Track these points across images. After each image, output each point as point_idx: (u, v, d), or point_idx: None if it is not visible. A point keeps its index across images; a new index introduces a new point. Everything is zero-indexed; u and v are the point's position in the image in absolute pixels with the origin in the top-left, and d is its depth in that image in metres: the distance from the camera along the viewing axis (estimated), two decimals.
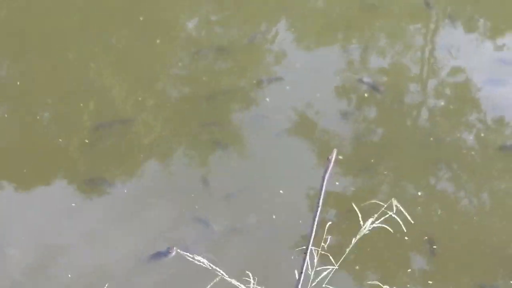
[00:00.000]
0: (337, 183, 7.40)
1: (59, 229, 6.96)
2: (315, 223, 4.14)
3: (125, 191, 7.34)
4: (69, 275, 6.53)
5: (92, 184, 7.34)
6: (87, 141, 7.82)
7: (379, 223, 4.28)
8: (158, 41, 9.14)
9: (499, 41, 9.69)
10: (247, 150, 7.92)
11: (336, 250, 4.38)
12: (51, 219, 7.11)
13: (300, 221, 6.87)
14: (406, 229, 4.68)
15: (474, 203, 7.46)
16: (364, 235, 4.34)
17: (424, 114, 8.47)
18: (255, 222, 7.02)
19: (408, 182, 7.58)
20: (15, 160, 7.63)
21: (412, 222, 4.52)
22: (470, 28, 9.95)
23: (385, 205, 4.34)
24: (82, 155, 7.74)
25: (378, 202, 4.45)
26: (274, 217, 7.06)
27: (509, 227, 7.15)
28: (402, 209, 4.31)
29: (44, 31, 9.26)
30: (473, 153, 7.95)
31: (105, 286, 4.84)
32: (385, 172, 7.59)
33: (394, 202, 4.30)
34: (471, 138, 8.14)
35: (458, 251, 6.96)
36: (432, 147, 7.95)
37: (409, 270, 6.74)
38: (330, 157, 4.02)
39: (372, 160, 7.77)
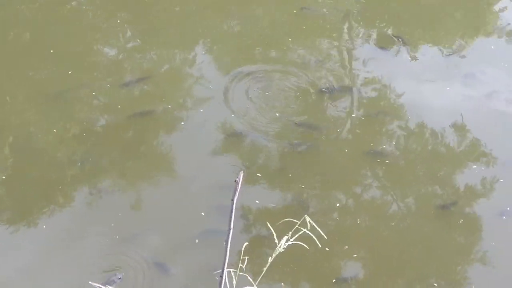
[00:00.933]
0: (257, 201, 7.41)
1: None
2: (228, 246, 4.15)
3: (44, 226, 7.21)
4: None
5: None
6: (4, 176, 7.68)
7: (294, 240, 4.32)
8: (70, 72, 9.03)
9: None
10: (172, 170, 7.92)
11: (256, 269, 4.37)
12: None
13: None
14: (323, 243, 4.72)
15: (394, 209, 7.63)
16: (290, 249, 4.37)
17: (348, 125, 8.57)
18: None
19: (327, 196, 7.68)
20: None
21: (326, 237, 4.60)
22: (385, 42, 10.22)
23: (299, 222, 4.38)
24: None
25: (291, 219, 4.49)
26: (197, 241, 7.03)
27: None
28: (315, 225, 4.36)
29: None
30: (392, 162, 8.12)
31: None
32: (302, 186, 7.65)
33: (307, 219, 4.35)
34: (392, 145, 8.33)
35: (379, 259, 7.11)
36: (361, 159, 8.10)
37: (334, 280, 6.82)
38: (237, 179, 4.04)
39: (290, 175, 7.83)
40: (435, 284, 6.90)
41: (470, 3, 11.29)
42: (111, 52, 9.55)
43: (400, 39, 9.96)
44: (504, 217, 7.52)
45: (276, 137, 8.28)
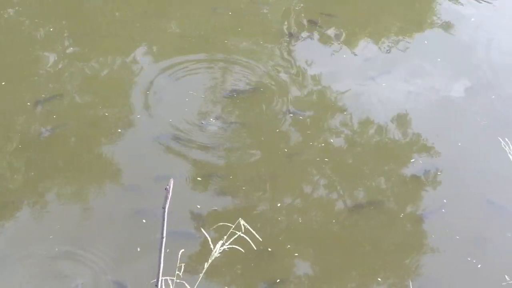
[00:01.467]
0: (198, 206, 7.39)
1: None
2: (162, 254, 4.12)
3: None
4: None
5: None
6: None
7: (229, 244, 4.32)
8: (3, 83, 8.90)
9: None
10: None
11: (194, 275, 4.35)
12: None
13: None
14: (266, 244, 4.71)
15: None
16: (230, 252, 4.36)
17: (284, 127, 8.58)
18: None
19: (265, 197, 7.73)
20: None
21: (261, 239, 4.61)
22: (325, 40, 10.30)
23: (233, 226, 4.38)
24: None
25: (226, 224, 4.49)
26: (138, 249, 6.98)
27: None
28: (249, 228, 4.37)
29: None
30: (334, 160, 8.20)
31: None
32: (244, 188, 7.67)
33: (242, 222, 4.35)
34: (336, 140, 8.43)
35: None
36: (285, 161, 8.13)
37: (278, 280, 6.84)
38: (167, 186, 4.02)
39: (231, 177, 7.85)
40: (379, 279, 6.99)
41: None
42: (50, 59, 9.40)
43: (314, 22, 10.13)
44: (443, 210, 7.65)
45: (210, 140, 8.29)
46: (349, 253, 7.16)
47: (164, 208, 3.97)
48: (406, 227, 7.45)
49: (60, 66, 9.31)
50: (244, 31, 10.20)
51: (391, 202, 7.71)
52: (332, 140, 8.43)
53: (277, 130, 8.47)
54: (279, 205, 7.51)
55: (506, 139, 5.07)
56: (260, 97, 8.97)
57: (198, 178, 7.74)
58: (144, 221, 7.20)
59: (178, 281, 4.40)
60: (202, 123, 8.45)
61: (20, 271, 6.79)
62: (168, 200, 3.99)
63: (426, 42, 10.29)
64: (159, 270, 4.14)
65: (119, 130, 8.33)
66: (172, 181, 3.98)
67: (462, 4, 11.09)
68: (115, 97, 8.91)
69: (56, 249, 6.96)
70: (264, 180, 7.77)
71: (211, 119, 8.55)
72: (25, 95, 8.70)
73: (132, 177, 7.80)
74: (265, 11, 10.71)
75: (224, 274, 6.62)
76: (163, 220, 4.01)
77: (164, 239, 4.03)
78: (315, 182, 7.88)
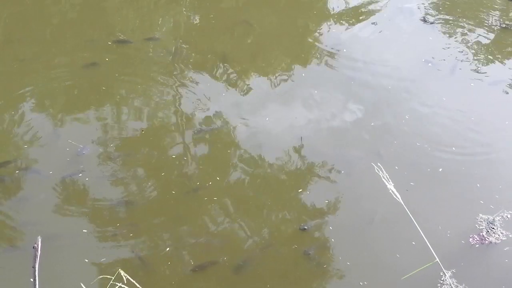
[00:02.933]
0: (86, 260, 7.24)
1: None
2: None
3: None
4: None
5: None
6: None
7: None
8: None
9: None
10: None
11: None
12: None
13: None
14: None
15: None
16: None
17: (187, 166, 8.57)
18: None
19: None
20: None
21: None
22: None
23: (113, 277, 4.28)
24: None
25: (106, 276, 4.39)
26: None
27: None
28: (130, 278, 4.28)
29: None
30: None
31: None
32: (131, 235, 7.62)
33: (122, 273, 4.27)
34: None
35: None
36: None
37: None
38: (35, 245, 3.90)
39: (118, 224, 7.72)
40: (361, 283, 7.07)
41: (289, 35, 11.73)
42: None
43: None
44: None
45: None
46: None
47: (34, 267, 3.85)
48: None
49: None
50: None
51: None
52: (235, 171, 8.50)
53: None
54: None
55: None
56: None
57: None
58: None
59: None
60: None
61: None
62: (38, 259, 3.87)
63: (311, 74, 10.57)
64: None
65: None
66: (40, 239, 3.86)
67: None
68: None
69: None
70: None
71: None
72: None
73: None
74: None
75: None
76: (34, 280, 3.89)
77: None
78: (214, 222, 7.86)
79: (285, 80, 10.36)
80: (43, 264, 3.86)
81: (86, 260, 7.09)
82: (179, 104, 9.73)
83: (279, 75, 10.51)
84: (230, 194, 8.22)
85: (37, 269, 3.89)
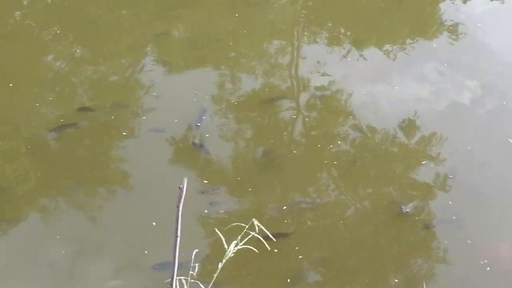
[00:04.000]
0: (206, 210, 7.37)
1: None
2: (176, 253, 4.10)
3: None
4: None
5: None
6: None
7: (243, 244, 4.30)
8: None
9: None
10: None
11: (207, 275, 4.34)
12: None
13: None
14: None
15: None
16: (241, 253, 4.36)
17: (298, 128, 8.59)
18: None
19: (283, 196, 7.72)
20: None
21: (274, 240, 4.60)
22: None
23: (247, 226, 4.37)
24: None
25: (240, 224, 4.47)
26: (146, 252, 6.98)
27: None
28: (263, 228, 4.35)
29: None
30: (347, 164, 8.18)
31: None
32: (250, 189, 7.67)
33: (255, 222, 4.34)
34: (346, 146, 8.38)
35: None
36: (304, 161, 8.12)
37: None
38: (181, 186, 4.00)
39: (238, 178, 7.83)
40: (396, 280, 6.95)
41: (411, 3, 11.47)
42: (57, 64, 9.44)
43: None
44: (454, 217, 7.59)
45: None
46: (362, 256, 7.13)
47: (178, 207, 3.96)
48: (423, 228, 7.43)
49: (66, 70, 9.38)
50: None
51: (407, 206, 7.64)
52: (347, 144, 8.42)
53: (288, 129, 8.51)
54: (284, 208, 7.50)
55: None
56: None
57: (205, 181, 7.75)
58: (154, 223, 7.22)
59: (192, 281, 4.39)
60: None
61: None
62: (182, 199, 3.97)
63: (434, 45, 10.28)
64: (173, 269, 4.12)
65: (124, 133, 8.40)
66: (185, 180, 3.96)
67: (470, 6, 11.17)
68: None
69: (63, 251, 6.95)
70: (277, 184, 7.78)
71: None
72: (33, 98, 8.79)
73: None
74: None
75: (233, 275, 6.58)
76: (177, 219, 3.99)
77: (178, 238, 4.02)
78: (329, 185, 7.85)
79: (406, 52, 10.17)
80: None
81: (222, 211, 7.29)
82: (295, 67, 9.75)
83: (402, 46, 10.31)
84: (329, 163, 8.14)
85: (180, 209, 4.00)
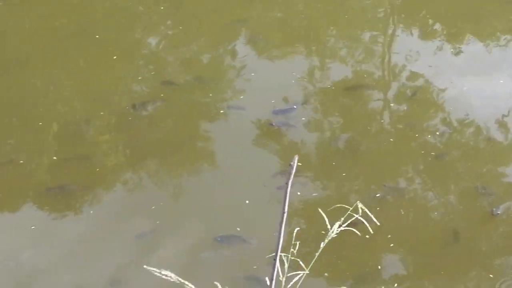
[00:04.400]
0: (298, 192, 7.39)
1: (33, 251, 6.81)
2: (282, 229, 4.13)
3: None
4: None
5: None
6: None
7: (346, 226, 4.30)
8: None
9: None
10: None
11: (306, 255, 4.36)
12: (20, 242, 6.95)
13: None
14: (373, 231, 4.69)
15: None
16: (333, 238, 4.35)
17: (386, 118, 8.52)
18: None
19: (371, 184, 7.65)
20: None
21: (378, 223, 4.57)
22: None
23: (351, 208, 4.35)
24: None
25: (344, 205, 4.46)
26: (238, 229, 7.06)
27: None
28: (367, 211, 4.33)
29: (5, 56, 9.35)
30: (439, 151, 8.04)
31: None
32: (343, 174, 7.63)
33: (360, 205, 4.32)
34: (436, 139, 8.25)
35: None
36: (392, 151, 8.04)
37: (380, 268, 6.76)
38: (292, 162, 4.01)
39: (333, 163, 7.82)
40: (491, 276, 6.82)
41: None
42: (155, 43, 9.67)
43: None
44: None
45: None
46: (448, 250, 7.02)
47: (287, 183, 3.98)
48: None
49: (163, 49, 9.57)
50: None
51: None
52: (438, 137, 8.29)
53: (381, 121, 8.42)
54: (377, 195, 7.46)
55: None
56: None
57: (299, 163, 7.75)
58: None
59: (293, 258, 4.41)
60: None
61: None
62: (292, 176, 3.99)
63: None
64: (278, 244, 4.15)
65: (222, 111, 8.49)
66: (296, 157, 3.98)
67: None
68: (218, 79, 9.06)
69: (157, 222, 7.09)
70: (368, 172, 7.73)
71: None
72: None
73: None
74: None
75: (325, 258, 6.58)
76: (285, 195, 4.02)
77: (285, 214, 4.04)
78: (417, 177, 7.75)
79: (505, 46, 9.91)
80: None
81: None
82: (388, 56, 9.64)
83: (501, 40, 10.06)
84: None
85: (289, 186, 4.01)
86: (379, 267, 6.76)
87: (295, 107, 8.46)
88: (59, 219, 7.25)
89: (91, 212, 7.32)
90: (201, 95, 8.70)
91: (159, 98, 8.58)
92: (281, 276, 4.21)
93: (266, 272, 4.07)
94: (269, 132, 8.18)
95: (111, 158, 7.92)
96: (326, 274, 6.65)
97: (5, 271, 6.69)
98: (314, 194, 7.40)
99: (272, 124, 8.20)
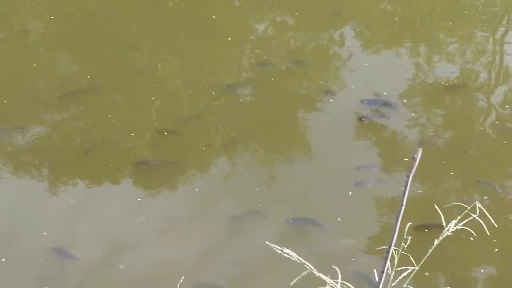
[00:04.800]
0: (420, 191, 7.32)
1: (125, 227, 6.98)
2: (398, 222, 4.07)
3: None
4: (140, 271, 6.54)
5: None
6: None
7: (462, 225, 4.21)
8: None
9: None
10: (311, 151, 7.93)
11: (415, 251, 4.30)
12: (116, 217, 7.12)
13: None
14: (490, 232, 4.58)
15: None
16: (446, 237, 4.26)
17: (492, 118, 8.30)
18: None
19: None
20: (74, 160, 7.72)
21: (496, 226, 4.44)
22: None
23: (469, 208, 4.25)
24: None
25: (461, 204, 4.37)
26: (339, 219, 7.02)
27: None
28: (486, 212, 4.22)
29: (104, 37, 9.57)
30: None
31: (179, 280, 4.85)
32: (452, 173, 7.46)
33: (478, 205, 4.21)
34: None
35: None
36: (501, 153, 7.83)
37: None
38: (415, 156, 3.95)
39: (443, 162, 7.67)
40: None
41: None
42: (259, 27, 9.73)
43: None
44: None
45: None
46: None
47: (408, 176, 3.92)
48: None
49: (264, 35, 9.63)
50: None
51: None
52: None
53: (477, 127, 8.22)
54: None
55: None
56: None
57: (405, 159, 7.66)
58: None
59: (403, 252, 4.35)
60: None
61: None
62: (414, 169, 3.93)
63: None
64: (392, 236, 4.10)
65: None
66: (420, 151, 3.91)
67: None
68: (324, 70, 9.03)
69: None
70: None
71: None
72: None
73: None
74: None
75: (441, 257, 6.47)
76: (405, 188, 3.96)
77: (403, 207, 3.99)
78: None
79: None
80: None
81: None
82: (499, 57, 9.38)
83: None
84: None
85: (410, 178, 3.94)
86: (482, 271, 6.60)
87: (391, 101, 8.34)
88: (165, 194, 7.41)
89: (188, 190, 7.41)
90: (303, 80, 8.72)
91: (256, 82, 8.66)
92: (390, 270, 4.17)
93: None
94: (362, 125, 8.11)
95: (208, 138, 8.03)
96: (426, 273, 6.54)
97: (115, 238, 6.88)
98: (419, 192, 7.28)
99: (362, 119, 8.09)
